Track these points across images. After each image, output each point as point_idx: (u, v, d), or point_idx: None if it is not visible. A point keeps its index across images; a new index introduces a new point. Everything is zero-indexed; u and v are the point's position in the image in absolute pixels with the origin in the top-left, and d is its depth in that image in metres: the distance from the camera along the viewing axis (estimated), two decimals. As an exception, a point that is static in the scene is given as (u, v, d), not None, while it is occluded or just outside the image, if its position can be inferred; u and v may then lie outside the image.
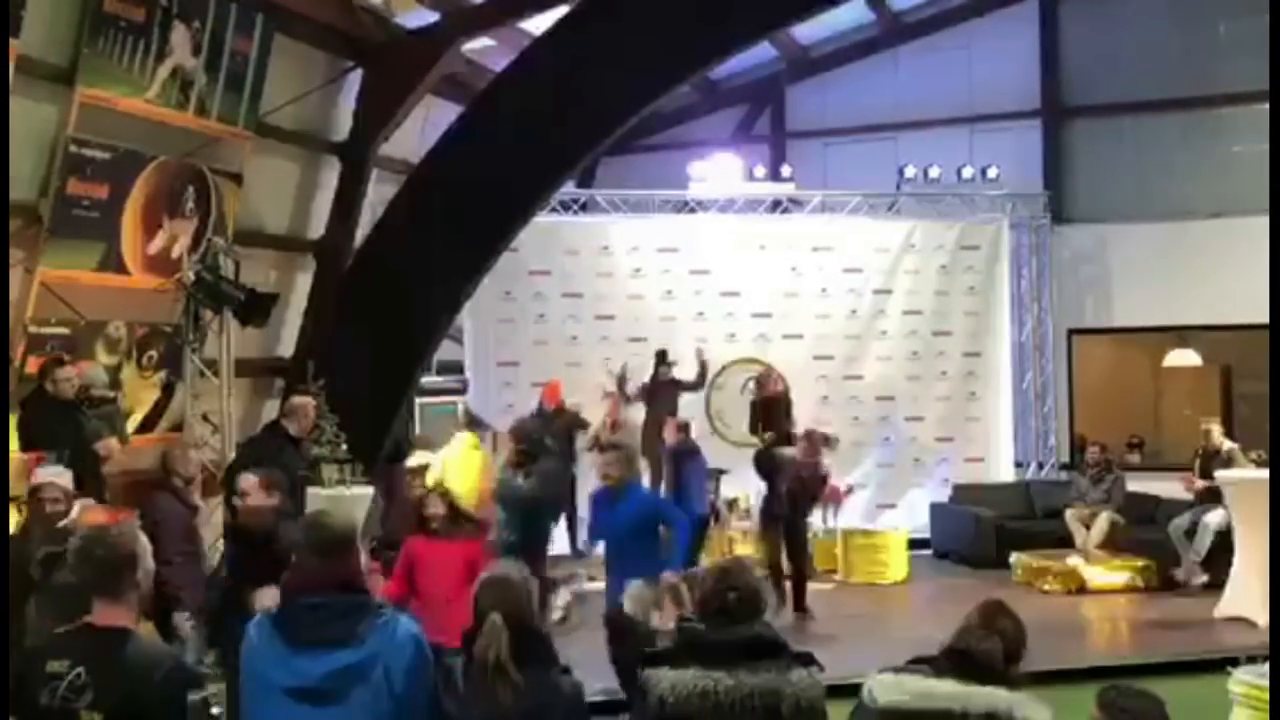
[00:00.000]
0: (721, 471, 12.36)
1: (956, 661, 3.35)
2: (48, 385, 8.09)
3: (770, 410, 12.37)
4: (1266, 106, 13.97)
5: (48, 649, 3.35)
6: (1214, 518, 10.28)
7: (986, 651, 3.36)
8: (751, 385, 13.01)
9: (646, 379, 12.56)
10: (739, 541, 12.12)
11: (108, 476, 8.24)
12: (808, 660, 3.37)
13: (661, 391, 12.48)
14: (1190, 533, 10.66)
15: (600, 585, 11.46)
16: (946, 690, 3.26)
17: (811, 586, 11.54)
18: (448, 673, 3.43)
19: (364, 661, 3.29)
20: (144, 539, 3.48)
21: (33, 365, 8.62)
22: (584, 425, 12.12)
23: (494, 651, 3.32)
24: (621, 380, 12.50)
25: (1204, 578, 10.54)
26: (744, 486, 12.84)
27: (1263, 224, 13.36)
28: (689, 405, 12.74)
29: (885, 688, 3.33)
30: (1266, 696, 5.77)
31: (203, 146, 9.93)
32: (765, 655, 3.32)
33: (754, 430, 12.52)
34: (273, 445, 8.42)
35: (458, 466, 10.31)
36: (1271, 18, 12.12)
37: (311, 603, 3.35)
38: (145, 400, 10.03)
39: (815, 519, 12.33)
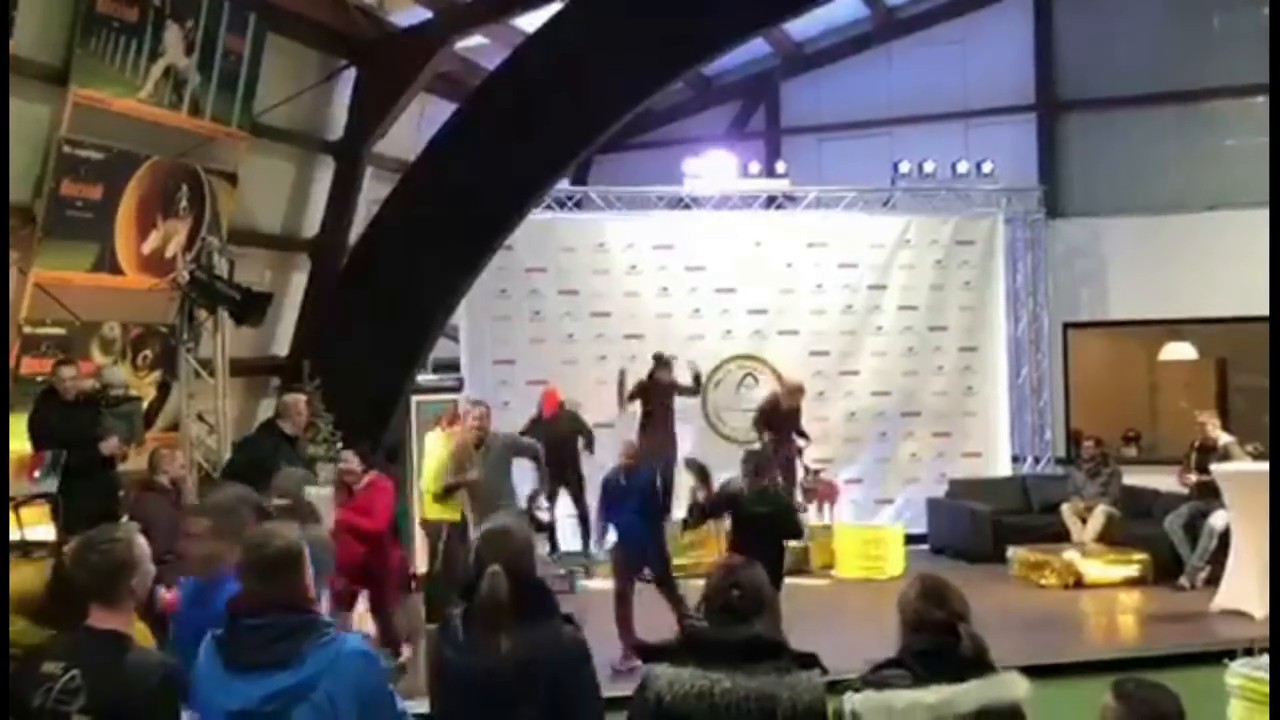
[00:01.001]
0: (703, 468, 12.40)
1: (931, 662, 3.32)
2: (56, 386, 8.10)
3: (785, 420, 12.47)
4: (1261, 100, 13.99)
5: (45, 650, 3.34)
6: (1218, 520, 10.20)
7: (963, 646, 3.33)
8: (778, 389, 13.02)
9: (644, 376, 12.56)
10: (736, 538, 12.11)
11: (122, 475, 8.26)
12: (810, 662, 3.33)
13: (659, 393, 12.49)
14: (1188, 528, 10.63)
15: (599, 584, 11.60)
16: (932, 701, 3.24)
17: (808, 582, 11.62)
18: (446, 621, 3.45)
19: (304, 683, 3.18)
20: (143, 543, 3.45)
21: (27, 366, 8.62)
22: (585, 431, 12.10)
23: (494, 601, 3.33)
24: (621, 384, 12.50)
25: (1206, 570, 10.52)
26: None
27: (1257, 217, 13.39)
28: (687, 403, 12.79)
29: (871, 710, 3.28)
30: (1264, 689, 5.78)
31: (197, 146, 9.92)
32: (765, 656, 3.29)
33: (758, 428, 12.62)
34: (268, 445, 8.42)
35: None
36: (1271, 16, 12.16)
37: (252, 624, 3.26)
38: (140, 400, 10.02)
39: (811, 515, 12.38)
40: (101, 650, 3.24)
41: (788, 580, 11.41)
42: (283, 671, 3.19)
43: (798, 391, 12.71)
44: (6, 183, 8.02)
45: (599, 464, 12.29)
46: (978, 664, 3.33)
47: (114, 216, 9.25)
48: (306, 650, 3.22)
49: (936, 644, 3.35)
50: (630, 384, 12.44)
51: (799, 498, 12.42)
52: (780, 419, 12.52)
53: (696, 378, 12.71)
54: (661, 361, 12.52)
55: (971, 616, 3.44)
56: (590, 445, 12.10)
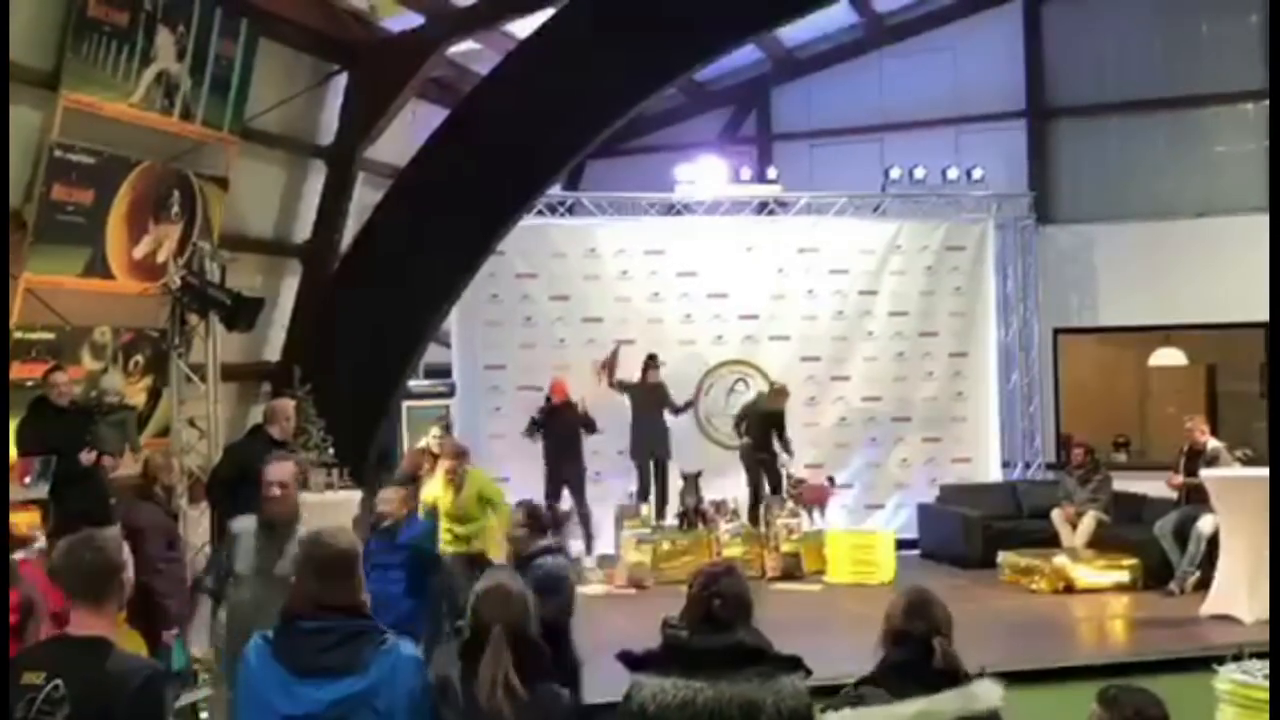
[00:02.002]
0: (698, 474, 12.47)
1: (907, 676, 3.31)
2: (48, 392, 8.09)
3: (766, 421, 12.62)
4: (1251, 106, 14.08)
5: (24, 659, 3.24)
6: (1205, 525, 10.23)
7: (935, 660, 3.32)
8: (764, 392, 13.13)
9: (636, 378, 12.60)
10: (727, 544, 12.13)
11: (115, 482, 8.24)
12: (794, 666, 3.34)
13: (649, 393, 12.52)
14: (1177, 533, 10.65)
15: (590, 589, 11.59)
16: (908, 714, 3.25)
17: (798, 587, 11.63)
18: (444, 683, 3.39)
19: (369, 690, 3.25)
20: (126, 548, 3.40)
21: (17, 371, 8.60)
22: (588, 423, 12.17)
23: (501, 669, 3.29)
24: (612, 362, 12.55)
25: (1195, 574, 10.54)
26: (732, 489, 12.90)
27: (1247, 223, 13.49)
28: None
29: None
30: (1252, 694, 5.81)
31: (188, 151, 9.91)
32: (748, 662, 3.30)
33: (740, 429, 12.74)
34: (255, 450, 8.40)
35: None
36: (1271, 17, 12.22)
37: (312, 627, 3.28)
38: (131, 405, 10.01)
39: (803, 519, 12.40)
40: (84, 657, 3.14)
41: (778, 586, 11.54)
42: (349, 677, 3.24)
43: (780, 394, 12.76)
44: (7, 183, 8.01)
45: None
46: (951, 677, 3.32)
47: (105, 221, 9.23)
48: (369, 656, 3.27)
49: (912, 657, 3.35)
50: (621, 364, 12.52)
51: (787, 503, 12.45)
52: (766, 423, 12.58)
53: (688, 403, 12.88)
54: (653, 362, 12.58)
55: (953, 628, 3.43)
56: (591, 429, 12.19)
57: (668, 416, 12.64)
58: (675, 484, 12.60)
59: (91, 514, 7.23)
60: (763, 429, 12.61)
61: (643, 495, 12.39)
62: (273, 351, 11.76)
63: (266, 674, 3.29)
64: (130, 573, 3.35)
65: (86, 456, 8.00)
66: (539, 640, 3.49)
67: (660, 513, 12.48)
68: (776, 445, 12.63)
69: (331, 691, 3.23)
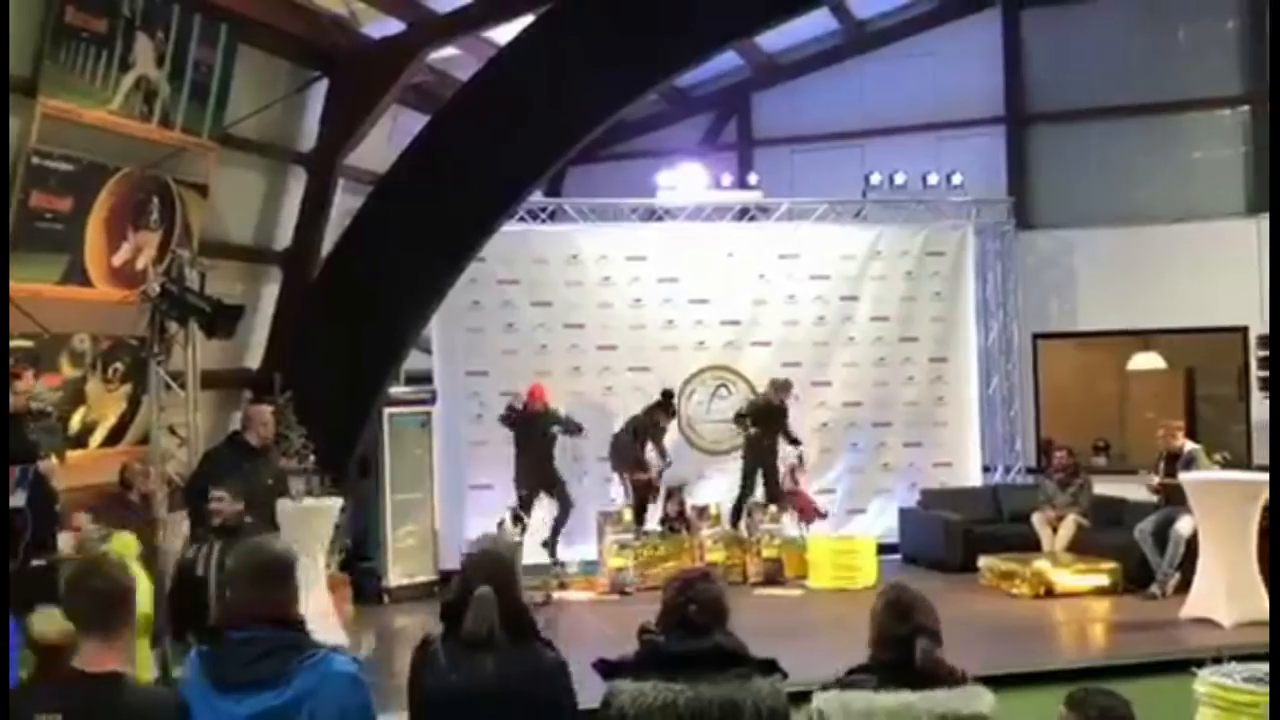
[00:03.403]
0: (681, 486, 12.57)
1: (894, 674, 3.35)
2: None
3: (775, 417, 12.75)
4: (1227, 112, 14.19)
5: (33, 698, 3.06)
6: (1184, 526, 10.28)
7: (921, 660, 3.35)
8: (739, 385, 13.22)
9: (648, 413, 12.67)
10: (710, 549, 12.14)
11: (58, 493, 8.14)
12: (770, 668, 3.36)
13: (653, 430, 12.63)
14: (1157, 535, 10.70)
15: (573, 595, 11.60)
16: (890, 706, 3.28)
17: (781, 592, 11.65)
18: (426, 644, 3.41)
19: (290, 705, 3.09)
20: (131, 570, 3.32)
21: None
22: (563, 423, 12.20)
23: (485, 624, 3.32)
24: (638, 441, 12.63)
25: (1176, 576, 10.59)
26: (715, 494, 12.91)
27: (1224, 228, 13.63)
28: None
29: (832, 709, 3.33)
30: (1231, 697, 5.84)
31: (167, 158, 9.87)
32: (727, 665, 3.31)
33: (742, 422, 12.83)
34: (231, 457, 8.37)
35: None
36: (1271, 18, 12.31)
37: (241, 638, 3.18)
38: (111, 413, 9.97)
39: (786, 524, 12.42)
40: (99, 694, 2.99)
41: (760, 591, 11.56)
42: (268, 691, 3.10)
43: (785, 387, 12.81)
44: (7, 183, 7.96)
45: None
46: (935, 678, 3.35)
47: (84, 228, 9.20)
48: (293, 669, 3.12)
49: (897, 658, 3.37)
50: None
51: (771, 507, 12.48)
52: (772, 415, 12.67)
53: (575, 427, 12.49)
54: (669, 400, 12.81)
55: (939, 627, 3.46)
56: (570, 431, 12.18)
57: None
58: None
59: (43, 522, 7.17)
60: (769, 424, 12.66)
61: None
62: (253, 358, 11.72)
63: (197, 687, 3.20)
64: (137, 600, 3.27)
65: (46, 465, 7.90)
66: (524, 603, 3.51)
67: (640, 515, 12.52)
68: (781, 441, 12.70)
69: (249, 706, 3.10)
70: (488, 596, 3.36)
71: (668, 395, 12.77)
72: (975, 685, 3.39)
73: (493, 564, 3.49)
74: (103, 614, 3.10)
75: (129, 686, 3.09)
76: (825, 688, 3.40)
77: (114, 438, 9.93)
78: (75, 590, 3.13)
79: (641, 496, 12.50)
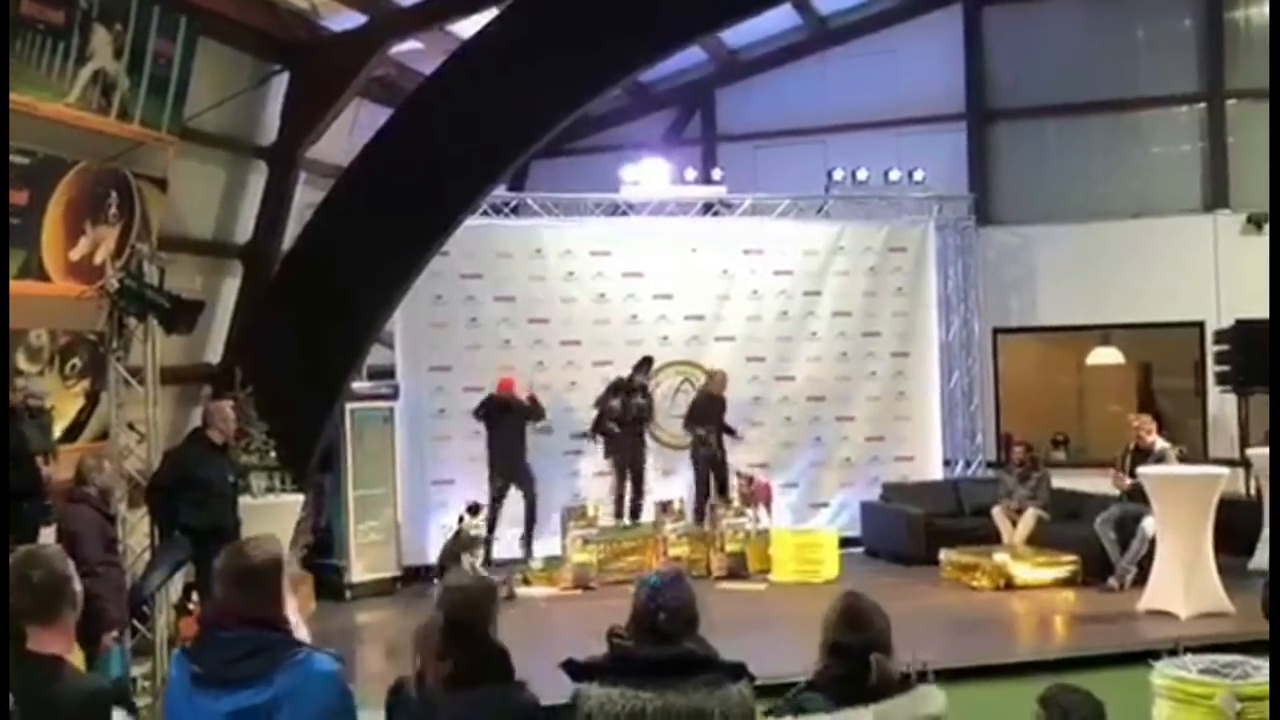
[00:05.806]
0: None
1: (846, 689, 3.32)
2: None
3: (716, 410, 12.88)
4: (1184, 109, 14.36)
5: None
6: (1150, 525, 10.35)
7: (870, 676, 3.33)
8: (701, 379, 13.31)
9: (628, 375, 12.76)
10: (674, 544, 12.17)
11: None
12: (739, 673, 3.34)
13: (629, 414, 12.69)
14: (1118, 528, 10.78)
15: (536, 591, 11.60)
16: None
17: (744, 586, 11.69)
18: (399, 688, 3.34)
19: (270, 703, 3.11)
20: (69, 559, 3.33)
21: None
22: (532, 413, 12.27)
23: (453, 664, 3.24)
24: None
25: (1134, 571, 10.68)
26: (678, 490, 12.94)
27: (1181, 224, 13.81)
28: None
29: None
30: (1188, 689, 5.91)
31: (126, 151, 9.75)
32: (696, 672, 3.29)
33: (691, 427, 12.90)
34: (194, 454, 8.32)
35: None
36: (1271, 17, 12.46)
37: (226, 638, 3.21)
38: (69, 409, 9.83)
39: (747, 519, 12.46)
40: (40, 676, 3.07)
41: (724, 586, 11.59)
42: (248, 689, 3.12)
43: (720, 379, 12.95)
44: (6, 182, 7.85)
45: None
46: (887, 689, 3.34)
47: (41, 222, 9.07)
48: (275, 669, 3.15)
49: (850, 672, 3.36)
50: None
51: (735, 502, 12.55)
52: (713, 410, 12.75)
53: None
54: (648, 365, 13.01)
55: (890, 636, 3.43)
56: (535, 417, 12.28)
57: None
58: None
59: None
60: (713, 417, 12.74)
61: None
62: (214, 354, 11.61)
63: (179, 684, 3.23)
64: (78, 583, 3.28)
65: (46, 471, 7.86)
66: (498, 642, 3.38)
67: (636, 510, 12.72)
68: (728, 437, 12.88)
69: (229, 703, 3.12)
70: (461, 638, 3.26)
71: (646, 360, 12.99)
72: (925, 686, 3.40)
73: (464, 601, 3.39)
74: (43, 604, 3.15)
75: (67, 670, 3.15)
76: (777, 712, 3.35)
77: (71, 434, 9.81)
78: (14, 583, 3.17)
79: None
